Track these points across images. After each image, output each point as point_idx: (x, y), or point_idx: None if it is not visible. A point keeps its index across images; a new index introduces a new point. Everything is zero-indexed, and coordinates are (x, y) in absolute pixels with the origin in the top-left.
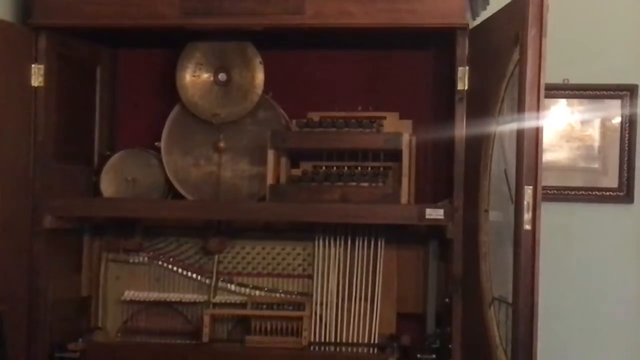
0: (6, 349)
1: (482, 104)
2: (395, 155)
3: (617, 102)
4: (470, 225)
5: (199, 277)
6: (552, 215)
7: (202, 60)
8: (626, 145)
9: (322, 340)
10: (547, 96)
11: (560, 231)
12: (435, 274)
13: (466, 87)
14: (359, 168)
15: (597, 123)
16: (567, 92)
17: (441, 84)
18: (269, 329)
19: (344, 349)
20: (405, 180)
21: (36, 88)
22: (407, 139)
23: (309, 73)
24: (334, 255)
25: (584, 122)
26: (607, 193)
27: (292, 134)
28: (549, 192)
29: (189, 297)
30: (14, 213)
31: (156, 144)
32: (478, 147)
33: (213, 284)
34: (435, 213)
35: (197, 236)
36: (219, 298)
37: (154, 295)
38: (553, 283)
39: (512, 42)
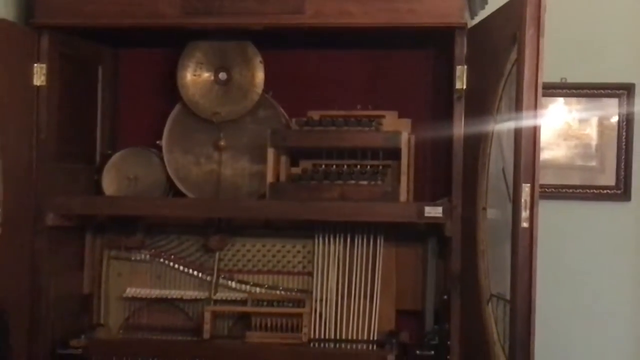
0: (10, 345)
1: (481, 102)
2: (394, 153)
3: (614, 101)
4: (469, 223)
5: (200, 275)
6: (550, 213)
7: (202, 60)
8: (623, 143)
9: (322, 336)
10: (545, 95)
11: (558, 229)
12: (434, 271)
13: (464, 86)
14: (358, 166)
15: (594, 122)
16: (564, 91)
17: (440, 83)
18: (269, 325)
19: (343, 345)
20: (404, 179)
21: (38, 87)
22: (406, 138)
23: (309, 72)
24: (334, 253)
25: (581, 121)
26: (605, 191)
27: (292, 132)
28: (546, 190)
29: (190, 294)
30: (16, 211)
31: (157, 142)
32: (476, 145)
33: (214, 281)
34: (434, 211)
35: (198, 234)
36: (219, 295)
37: (155, 292)
38: (550, 280)
39: (510, 42)
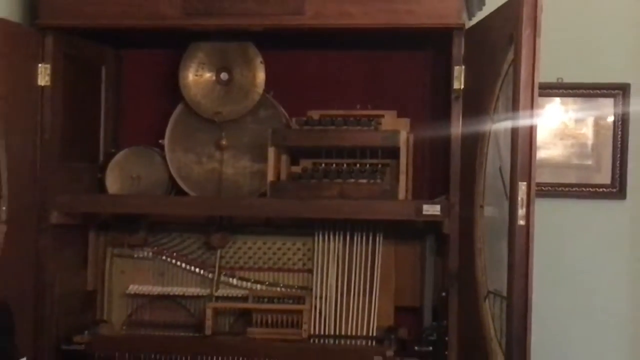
0: (16, 341)
1: (478, 102)
2: (393, 152)
3: (610, 101)
4: (466, 220)
5: (201, 272)
6: (546, 211)
7: (204, 60)
8: (619, 142)
9: (322, 332)
10: (541, 95)
11: (554, 226)
12: (432, 268)
13: (462, 86)
14: (358, 165)
15: (590, 121)
16: (561, 91)
17: (438, 83)
18: (269, 321)
19: (342, 341)
20: (402, 177)
21: (43, 87)
22: (404, 137)
23: (309, 72)
24: (333, 250)
25: (577, 121)
26: (600, 189)
27: (292, 132)
28: (543, 188)
29: (192, 290)
30: (21, 209)
31: (160, 141)
32: (474, 144)
33: (215, 278)
34: (432, 209)
35: (199, 232)
36: (221, 292)
37: (158, 289)
38: (547, 277)
39: (507, 42)
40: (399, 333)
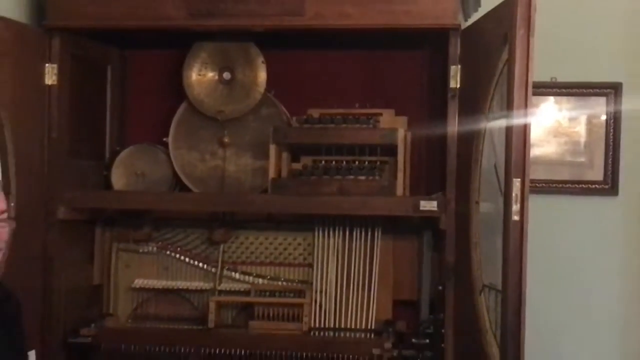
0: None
1: (474, 101)
2: (391, 150)
3: (602, 100)
4: (462, 216)
5: (205, 266)
6: (540, 207)
7: (207, 60)
8: (611, 140)
9: (322, 325)
10: (535, 94)
11: (548, 222)
12: (429, 262)
13: (458, 85)
14: (357, 162)
15: (583, 119)
16: (554, 90)
17: (435, 82)
18: (271, 315)
19: (342, 334)
20: (400, 174)
21: (50, 87)
22: (402, 135)
23: (309, 72)
24: (333, 245)
25: (571, 119)
26: (593, 186)
27: (292, 130)
28: (537, 184)
29: (195, 284)
30: (29, 205)
31: (164, 139)
32: (469, 142)
33: (218, 272)
34: (429, 205)
35: (203, 227)
36: (224, 286)
37: (162, 283)
38: (540, 271)
39: (501, 42)
40: (397, 326)
